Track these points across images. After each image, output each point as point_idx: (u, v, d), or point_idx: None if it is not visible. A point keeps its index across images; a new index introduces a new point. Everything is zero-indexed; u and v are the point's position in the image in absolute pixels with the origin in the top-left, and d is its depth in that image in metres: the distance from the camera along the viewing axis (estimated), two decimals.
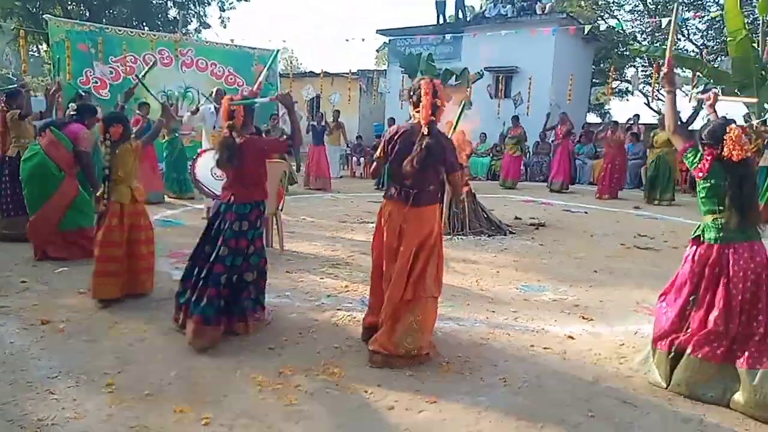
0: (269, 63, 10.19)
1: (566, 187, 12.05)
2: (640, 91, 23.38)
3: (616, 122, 12.51)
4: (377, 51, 29.33)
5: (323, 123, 12.75)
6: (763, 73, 10.31)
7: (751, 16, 14.70)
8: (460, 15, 18.85)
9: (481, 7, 21.98)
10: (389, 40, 19.77)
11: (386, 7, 75.06)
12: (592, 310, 4.19)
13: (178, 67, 11.97)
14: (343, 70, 18.56)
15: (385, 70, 20.56)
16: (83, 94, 9.05)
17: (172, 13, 22.44)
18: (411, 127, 3.06)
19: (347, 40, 15.80)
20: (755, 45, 10.69)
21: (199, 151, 7.16)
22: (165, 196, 8.98)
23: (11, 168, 5.71)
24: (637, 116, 14.65)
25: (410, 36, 18.19)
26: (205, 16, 23.45)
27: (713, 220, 2.79)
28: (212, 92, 7.92)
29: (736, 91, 11.03)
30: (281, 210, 5.87)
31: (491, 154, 15.10)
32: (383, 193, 3.25)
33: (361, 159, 15.42)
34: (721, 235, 2.75)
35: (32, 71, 25.46)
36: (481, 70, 15.37)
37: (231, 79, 12.57)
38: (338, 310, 3.99)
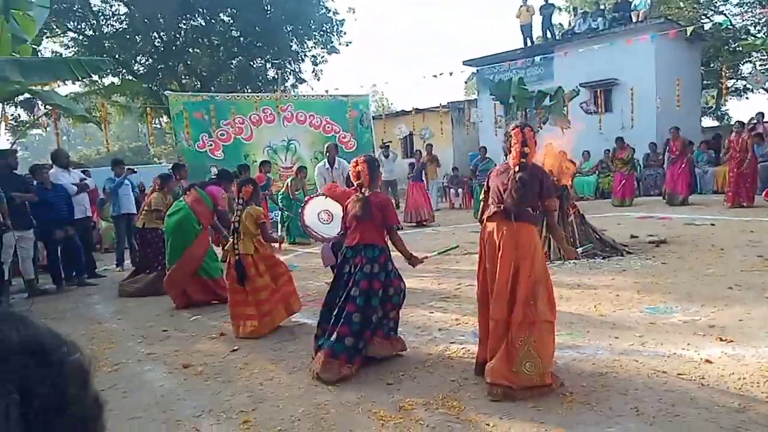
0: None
1: (686, 201, 11.20)
2: (762, 87, 21.31)
3: (741, 123, 11.46)
4: (466, 82, 29.50)
5: (421, 161, 13.08)
6: None
7: None
8: (549, 35, 18.53)
9: (569, 24, 21.47)
10: (477, 70, 19.83)
11: (471, 37, 75.79)
12: (730, 330, 3.82)
13: (281, 123, 12.86)
14: (433, 104, 18.88)
15: (476, 99, 20.59)
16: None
17: (271, 73, 24.26)
18: (506, 167, 3.29)
19: (435, 76, 15.99)
20: None
21: (306, 198, 7.61)
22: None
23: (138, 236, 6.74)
24: (761, 114, 13.33)
25: (498, 63, 18.14)
26: (300, 72, 25.08)
27: None
28: (326, 147, 8.46)
29: None
30: None
31: (597, 172, 14.44)
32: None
33: (459, 190, 15.42)
34: None
35: (157, 141, 28.57)
36: (577, 87, 14.90)
37: (328, 127, 13.26)
38: (451, 343, 3.99)
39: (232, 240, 4.47)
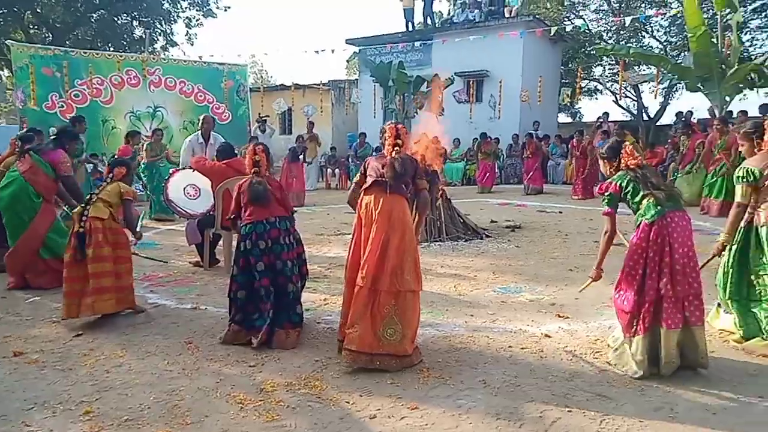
0: None
1: (541, 191, 12.33)
2: (608, 89, 23.84)
3: (581, 132, 12.79)
4: (347, 61, 29.41)
5: (304, 146, 12.92)
6: (723, 67, 10.65)
7: (710, 11, 15.12)
8: (429, 22, 19.03)
9: (449, 13, 22.24)
10: (359, 50, 19.82)
11: (355, 16, 75.69)
12: (567, 308, 4.27)
13: (147, 87, 11.87)
14: (314, 81, 18.60)
15: (357, 79, 20.63)
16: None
17: (138, 32, 22.26)
18: (381, 157, 3.47)
19: (317, 52, 15.74)
20: (714, 40, 11.03)
21: (171, 171, 7.09)
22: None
23: None
24: (607, 114, 15.00)
25: (380, 45, 18.28)
26: (172, 33, 23.30)
27: (646, 202, 3.07)
28: (202, 118, 7.71)
29: (699, 85, 11.33)
30: None
31: (465, 159, 15.25)
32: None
33: (336, 170, 15.43)
34: (658, 209, 3.01)
35: None
36: (452, 76, 15.54)
37: (201, 96, 12.50)
38: (317, 323, 4.01)
39: (81, 207, 4.03)
